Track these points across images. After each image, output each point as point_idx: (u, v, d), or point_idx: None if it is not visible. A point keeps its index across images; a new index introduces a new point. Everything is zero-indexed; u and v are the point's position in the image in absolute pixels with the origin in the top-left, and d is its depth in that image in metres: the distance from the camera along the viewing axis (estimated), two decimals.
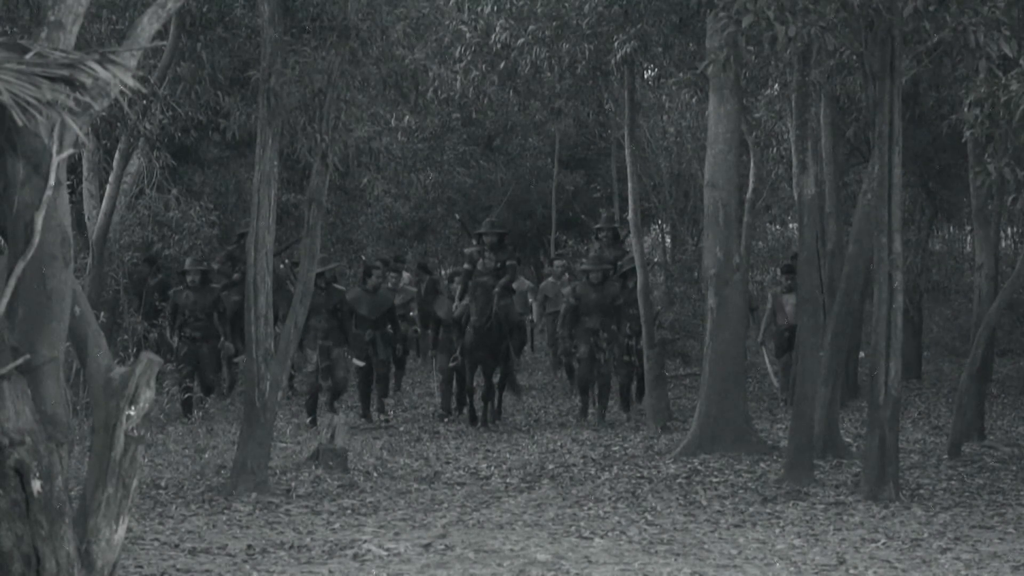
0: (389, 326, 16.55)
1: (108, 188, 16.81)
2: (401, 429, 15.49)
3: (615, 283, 16.32)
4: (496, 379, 15.91)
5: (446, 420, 16.09)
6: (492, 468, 12.85)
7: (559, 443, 14.46)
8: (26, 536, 5.53)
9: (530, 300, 19.67)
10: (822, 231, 14.55)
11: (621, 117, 16.62)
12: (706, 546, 9.29)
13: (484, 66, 15.66)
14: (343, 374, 15.77)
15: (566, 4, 14.88)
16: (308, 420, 15.31)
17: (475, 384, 16.24)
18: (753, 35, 11.25)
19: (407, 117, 18.89)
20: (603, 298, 16.01)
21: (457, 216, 25.18)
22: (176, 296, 16.36)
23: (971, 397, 13.86)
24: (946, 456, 13.31)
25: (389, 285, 17.07)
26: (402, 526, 9.91)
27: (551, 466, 12.96)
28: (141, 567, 8.39)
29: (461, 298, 16.18)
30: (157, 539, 9.22)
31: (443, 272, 24.86)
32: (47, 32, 5.81)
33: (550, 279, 20.09)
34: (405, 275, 20.35)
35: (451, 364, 16.14)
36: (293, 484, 11.48)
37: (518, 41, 15.02)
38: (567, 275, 19.38)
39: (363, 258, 23.84)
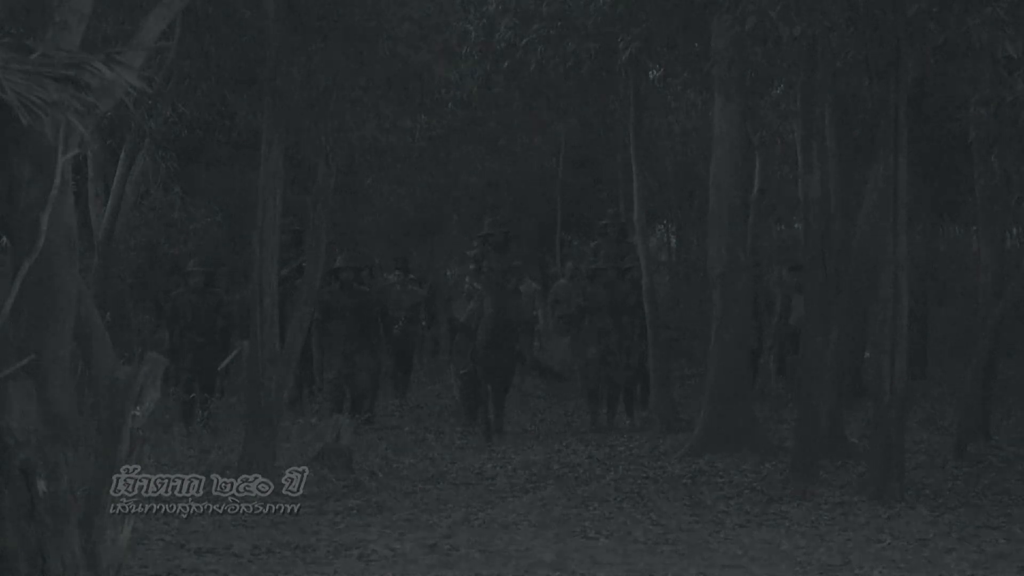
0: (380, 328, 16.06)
1: (113, 188, 16.82)
2: (406, 430, 15.46)
3: (626, 281, 15.86)
4: (502, 383, 15.19)
5: (460, 430, 15.44)
6: (497, 468, 12.84)
7: (564, 443, 14.45)
8: (32, 535, 5.54)
9: (536, 312, 18.95)
10: (827, 231, 14.52)
11: (626, 117, 16.59)
12: (711, 546, 9.28)
13: (489, 65, 15.66)
14: (365, 379, 15.31)
15: (571, 3, 14.86)
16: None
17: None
18: (758, 35, 11.25)
19: (423, 117, 18.84)
20: (614, 297, 15.65)
21: (455, 218, 25.07)
22: (176, 298, 15.22)
23: (976, 397, 13.83)
24: (951, 456, 13.29)
25: (364, 287, 16.31)
26: (407, 526, 9.90)
27: (556, 466, 12.95)
28: (146, 567, 8.39)
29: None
30: (162, 539, 9.21)
31: (448, 273, 24.81)
32: (53, 33, 5.82)
33: (562, 280, 19.94)
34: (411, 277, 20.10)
35: (462, 372, 15.54)
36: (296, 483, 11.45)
37: (523, 40, 15.01)
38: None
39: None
